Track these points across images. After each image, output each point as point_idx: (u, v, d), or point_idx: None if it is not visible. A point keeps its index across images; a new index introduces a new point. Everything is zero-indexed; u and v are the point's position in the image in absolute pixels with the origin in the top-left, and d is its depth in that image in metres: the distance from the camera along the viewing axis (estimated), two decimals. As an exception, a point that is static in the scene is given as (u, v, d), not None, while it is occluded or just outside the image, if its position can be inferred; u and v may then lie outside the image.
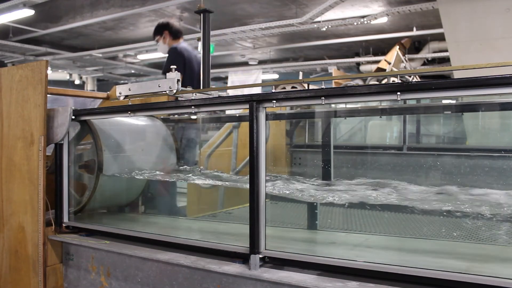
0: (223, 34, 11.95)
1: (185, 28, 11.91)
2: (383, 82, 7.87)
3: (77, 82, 19.65)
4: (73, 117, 3.41)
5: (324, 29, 11.27)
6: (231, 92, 3.69)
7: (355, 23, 10.80)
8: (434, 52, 12.79)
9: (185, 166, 4.25)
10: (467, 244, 2.97)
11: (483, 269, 2.35)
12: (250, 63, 17.65)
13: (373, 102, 3.37)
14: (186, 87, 3.24)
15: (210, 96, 3.20)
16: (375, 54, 14.23)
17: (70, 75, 19.13)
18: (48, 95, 3.37)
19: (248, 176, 2.54)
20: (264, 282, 2.41)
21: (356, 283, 2.24)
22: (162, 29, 5.46)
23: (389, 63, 10.49)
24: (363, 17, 10.57)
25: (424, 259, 2.64)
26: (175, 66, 3.17)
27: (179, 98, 3.22)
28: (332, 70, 14.93)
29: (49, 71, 4.92)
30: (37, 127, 3.34)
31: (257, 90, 9.29)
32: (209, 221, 4.35)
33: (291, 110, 4.06)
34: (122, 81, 21.05)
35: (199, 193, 5.34)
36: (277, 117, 4.20)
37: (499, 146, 4.67)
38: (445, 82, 2.11)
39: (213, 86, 7.64)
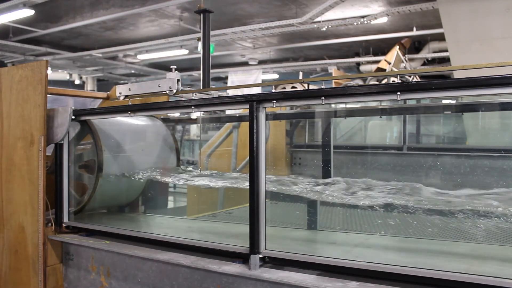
0: (223, 34, 11.94)
1: (185, 28, 11.93)
2: (383, 82, 7.88)
3: (77, 82, 19.64)
4: (73, 117, 3.41)
5: (324, 29, 11.27)
6: (231, 92, 3.69)
7: (355, 23, 10.80)
8: (434, 52, 12.78)
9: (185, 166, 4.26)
10: (467, 244, 2.97)
11: (483, 269, 2.36)
12: (250, 63, 17.63)
13: (373, 102, 3.37)
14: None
15: (210, 96, 3.21)
16: (375, 54, 14.23)
17: (70, 75, 19.11)
18: (48, 95, 3.37)
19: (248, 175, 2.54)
20: (264, 282, 2.41)
21: (356, 283, 2.24)
22: None
23: (389, 63, 10.49)
24: (363, 17, 10.57)
25: (424, 259, 2.64)
26: (175, 66, 3.18)
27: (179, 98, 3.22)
28: (332, 70, 14.92)
29: (49, 71, 4.92)
30: (37, 127, 3.34)
31: (257, 90, 9.29)
32: (209, 221, 4.35)
33: (291, 110, 4.06)
34: (122, 81, 21.04)
35: (199, 193, 5.34)
36: (277, 117, 4.20)
37: (499, 146, 4.66)
38: (445, 82, 2.11)
39: (213, 86, 7.64)
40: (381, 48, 13.82)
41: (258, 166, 2.52)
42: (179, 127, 5.68)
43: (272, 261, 2.53)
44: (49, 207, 3.41)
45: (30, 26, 12.24)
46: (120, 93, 3.39)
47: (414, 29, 11.62)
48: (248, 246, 2.54)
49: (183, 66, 16.98)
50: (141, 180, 3.89)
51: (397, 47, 11.33)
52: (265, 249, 2.55)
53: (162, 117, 4.31)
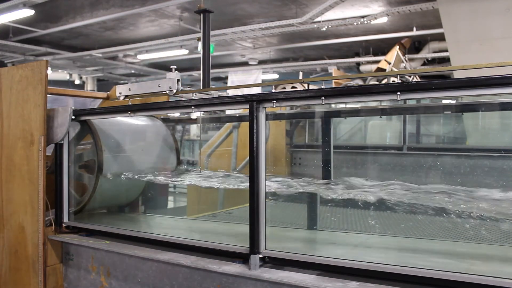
0: (223, 34, 11.94)
1: (185, 28, 11.93)
2: (383, 82, 7.88)
3: (77, 82, 19.64)
4: (73, 117, 3.41)
5: (324, 29, 11.27)
6: (231, 92, 3.69)
7: (355, 23, 10.80)
8: (434, 52, 12.78)
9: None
10: (467, 244, 2.97)
11: (483, 269, 2.36)
12: (250, 63, 17.63)
13: (373, 102, 3.37)
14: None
15: (210, 96, 3.20)
16: (375, 54, 14.22)
17: (70, 75, 19.11)
18: (48, 95, 3.37)
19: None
20: (264, 282, 2.41)
21: (356, 283, 2.24)
22: None
23: (389, 63, 10.49)
24: (363, 17, 10.57)
25: (424, 259, 2.64)
26: (175, 66, 3.18)
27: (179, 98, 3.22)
28: (332, 70, 14.92)
29: (49, 71, 4.92)
30: (37, 127, 3.34)
31: (257, 90, 9.29)
32: (209, 221, 4.35)
33: (291, 110, 4.06)
34: (122, 81, 21.04)
35: (199, 193, 5.34)
36: (277, 117, 4.20)
37: (499, 146, 4.66)
38: (445, 82, 2.11)
39: (213, 86, 7.65)
40: (381, 48, 13.82)
41: (258, 166, 2.52)
42: (179, 127, 5.68)
43: (272, 261, 2.53)
44: (49, 207, 3.41)
45: (30, 26, 12.23)
46: (120, 93, 3.39)
47: (414, 29, 11.61)
48: (248, 246, 2.54)
49: (183, 66, 16.97)
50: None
51: (397, 47, 11.33)
52: (265, 249, 2.55)
53: (162, 117, 4.31)
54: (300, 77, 12.03)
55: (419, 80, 9.48)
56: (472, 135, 5.77)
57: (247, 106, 2.55)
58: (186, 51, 14.11)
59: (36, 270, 3.32)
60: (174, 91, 3.08)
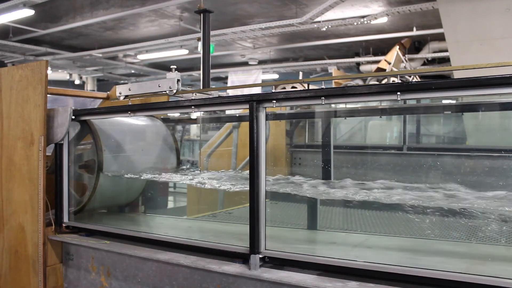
0: (223, 34, 11.94)
1: (185, 28, 11.93)
2: (383, 82, 7.87)
3: (77, 82, 19.62)
4: (73, 117, 3.41)
5: (324, 29, 11.27)
6: (231, 92, 3.69)
7: (355, 23, 10.80)
8: (434, 52, 12.77)
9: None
10: (467, 244, 2.97)
11: (483, 269, 2.36)
12: (250, 63, 17.63)
13: (373, 102, 3.37)
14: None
15: (210, 96, 3.21)
16: (375, 54, 14.22)
17: (70, 75, 19.10)
18: (48, 95, 3.37)
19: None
20: (264, 282, 2.41)
21: (356, 283, 2.24)
22: None
23: (389, 63, 10.49)
24: (363, 17, 10.57)
25: (424, 259, 2.64)
26: (175, 66, 3.18)
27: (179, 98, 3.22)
28: (332, 70, 14.92)
29: (49, 71, 4.92)
30: (37, 127, 3.34)
31: (257, 90, 9.28)
32: (209, 221, 4.35)
33: (291, 110, 4.05)
34: (122, 81, 21.04)
35: (199, 193, 5.34)
36: (277, 117, 4.20)
37: (499, 146, 4.66)
38: (445, 82, 2.11)
39: (213, 86, 7.65)
40: (381, 48, 13.82)
41: (258, 166, 2.52)
42: (179, 127, 5.67)
43: (272, 261, 2.53)
44: (49, 207, 3.41)
45: (30, 26, 12.23)
46: (120, 93, 3.39)
47: (414, 29, 11.61)
48: (248, 246, 2.54)
49: (183, 66, 16.98)
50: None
51: (397, 47, 11.33)
52: (265, 249, 2.55)
53: (162, 117, 4.31)
54: (300, 77, 12.03)
55: (419, 80, 9.48)
56: (472, 135, 5.76)
57: (247, 106, 2.55)
58: (186, 51, 14.11)
59: (36, 270, 3.32)
60: (174, 91, 3.09)
